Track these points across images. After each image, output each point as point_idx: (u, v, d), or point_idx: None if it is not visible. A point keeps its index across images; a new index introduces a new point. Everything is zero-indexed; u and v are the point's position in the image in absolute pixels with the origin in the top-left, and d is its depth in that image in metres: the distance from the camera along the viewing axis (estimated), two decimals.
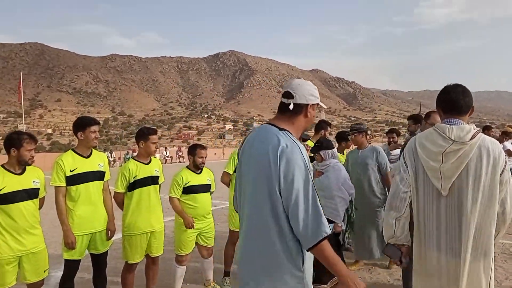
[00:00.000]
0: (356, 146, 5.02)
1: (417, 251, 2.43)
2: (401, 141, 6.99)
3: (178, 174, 4.17)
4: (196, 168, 4.22)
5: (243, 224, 2.02)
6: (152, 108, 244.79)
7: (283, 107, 1.99)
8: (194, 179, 4.15)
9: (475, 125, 2.37)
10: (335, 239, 3.97)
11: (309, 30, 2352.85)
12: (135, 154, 38.22)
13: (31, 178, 3.36)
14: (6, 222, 3.19)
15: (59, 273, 4.61)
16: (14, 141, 3.25)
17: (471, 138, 2.21)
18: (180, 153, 35.31)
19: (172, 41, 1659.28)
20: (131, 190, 3.87)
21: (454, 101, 2.30)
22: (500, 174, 2.22)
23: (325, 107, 2.28)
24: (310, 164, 1.88)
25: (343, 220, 4.03)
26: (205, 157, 4.26)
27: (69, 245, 3.48)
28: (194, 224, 4.09)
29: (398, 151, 5.90)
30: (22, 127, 37.07)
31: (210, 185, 4.30)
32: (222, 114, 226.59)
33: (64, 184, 3.51)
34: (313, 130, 5.96)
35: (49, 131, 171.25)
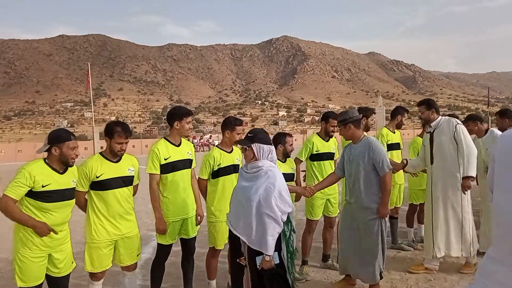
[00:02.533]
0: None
1: None
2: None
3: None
4: (284, 157, 4.19)
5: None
6: (208, 95, 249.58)
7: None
8: (282, 168, 4.13)
9: None
10: (283, 278, 2.91)
11: (364, 12, 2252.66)
12: (195, 140, 38.32)
13: (127, 166, 3.48)
14: (103, 208, 3.34)
15: (144, 255, 4.80)
16: (108, 131, 3.38)
17: None
18: None
19: (226, 28, 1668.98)
20: (214, 178, 3.93)
21: None
22: None
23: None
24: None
25: (277, 251, 2.85)
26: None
27: (160, 231, 3.60)
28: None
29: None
30: (89, 115, 39.19)
31: (293, 173, 4.30)
32: (276, 101, 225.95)
33: (159, 172, 3.61)
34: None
35: (113, 118, 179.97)
